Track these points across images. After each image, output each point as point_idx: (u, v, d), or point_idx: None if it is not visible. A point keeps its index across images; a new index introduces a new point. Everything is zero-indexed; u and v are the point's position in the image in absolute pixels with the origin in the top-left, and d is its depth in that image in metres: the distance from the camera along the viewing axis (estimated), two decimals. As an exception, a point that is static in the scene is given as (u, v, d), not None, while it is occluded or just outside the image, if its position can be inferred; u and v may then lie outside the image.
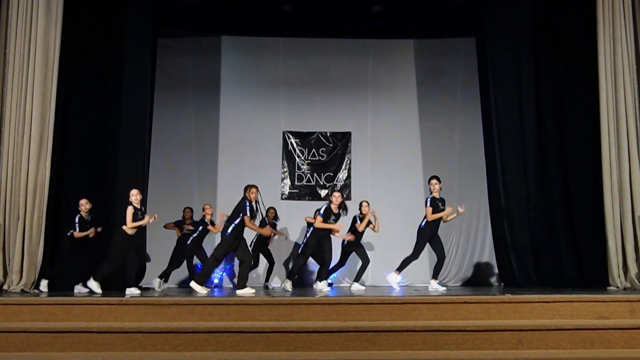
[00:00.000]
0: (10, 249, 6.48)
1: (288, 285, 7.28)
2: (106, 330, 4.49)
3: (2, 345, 4.38)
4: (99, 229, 7.11)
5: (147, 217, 6.80)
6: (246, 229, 6.74)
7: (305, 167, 9.67)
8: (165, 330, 4.50)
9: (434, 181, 7.32)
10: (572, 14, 7.69)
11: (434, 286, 7.12)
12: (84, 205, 7.02)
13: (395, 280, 7.47)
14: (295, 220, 9.25)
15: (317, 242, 7.35)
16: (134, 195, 6.68)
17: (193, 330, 4.50)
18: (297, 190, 9.62)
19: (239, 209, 6.66)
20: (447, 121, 9.65)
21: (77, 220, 6.98)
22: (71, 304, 5.06)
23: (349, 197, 9.46)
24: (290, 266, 8.74)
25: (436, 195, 7.27)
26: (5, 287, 6.41)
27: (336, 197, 7.40)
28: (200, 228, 7.95)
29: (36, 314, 4.92)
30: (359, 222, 7.81)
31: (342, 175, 9.65)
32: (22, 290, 6.32)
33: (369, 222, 7.78)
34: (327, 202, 7.53)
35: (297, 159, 9.66)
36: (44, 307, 4.98)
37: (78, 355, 4.34)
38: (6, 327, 4.54)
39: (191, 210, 8.38)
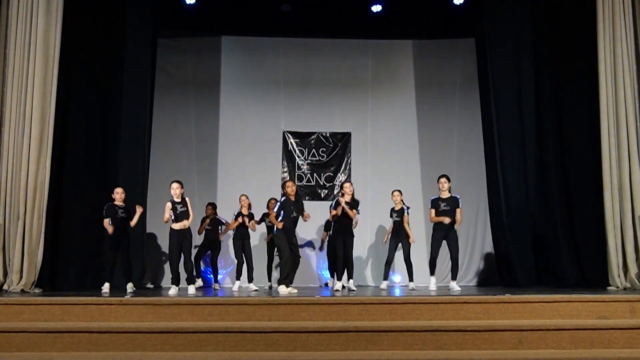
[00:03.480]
0: (10, 249, 6.47)
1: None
2: (106, 330, 4.49)
3: (2, 345, 4.39)
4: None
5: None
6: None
7: (305, 167, 9.66)
8: (165, 330, 4.50)
9: (442, 180, 7.22)
10: (572, 14, 7.68)
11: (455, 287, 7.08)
12: (120, 194, 6.98)
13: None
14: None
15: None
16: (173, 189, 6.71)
17: (193, 330, 4.50)
18: (297, 191, 9.60)
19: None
20: (446, 121, 9.64)
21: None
22: (71, 304, 5.05)
23: (349, 198, 9.45)
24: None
25: (443, 195, 7.20)
26: (5, 287, 6.41)
27: (347, 187, 7.28)
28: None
29: (36, 314, 4.92)
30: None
31: (342, 175, 9.64)
32: (22, 290, 6.31)
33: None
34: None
35: (297, 159, 9.66)
36: (44, 307, 4.98)
37: (78, 355, 4.34)
38: (6, 327, 4.54)
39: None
